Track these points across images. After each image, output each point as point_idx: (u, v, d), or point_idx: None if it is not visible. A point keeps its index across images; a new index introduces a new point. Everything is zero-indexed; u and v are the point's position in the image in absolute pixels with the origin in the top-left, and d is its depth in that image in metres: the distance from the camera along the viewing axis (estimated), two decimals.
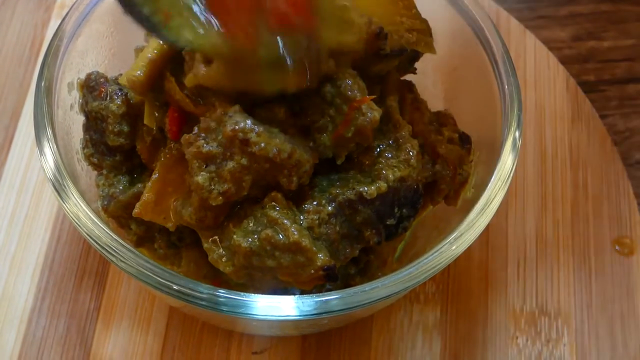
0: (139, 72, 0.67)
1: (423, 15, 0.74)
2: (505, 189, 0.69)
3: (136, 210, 0.68)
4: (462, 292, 0.84)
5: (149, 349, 0.80)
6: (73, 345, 0.80)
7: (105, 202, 0.72)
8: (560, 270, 0.86)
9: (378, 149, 0.68)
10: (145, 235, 0.72)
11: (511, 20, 1.00)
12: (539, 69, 0.97)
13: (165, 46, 0.67)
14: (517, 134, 0.70)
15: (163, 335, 0.81)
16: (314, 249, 0.63)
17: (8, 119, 0.92)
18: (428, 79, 0.81)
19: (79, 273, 0.83)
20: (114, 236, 0.64)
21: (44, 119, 0.68)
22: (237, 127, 0.60)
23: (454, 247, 0.66)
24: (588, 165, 0.91)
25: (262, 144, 0.60)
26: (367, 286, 0.63)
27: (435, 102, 0.80)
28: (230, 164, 0.61)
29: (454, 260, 0.66)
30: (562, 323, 0.83)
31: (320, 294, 0.63)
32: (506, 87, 0.72)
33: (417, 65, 0.77)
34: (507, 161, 0.69)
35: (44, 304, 0.82)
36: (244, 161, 0.61)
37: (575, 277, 0.85)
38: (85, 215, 0.65)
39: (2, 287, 0.82)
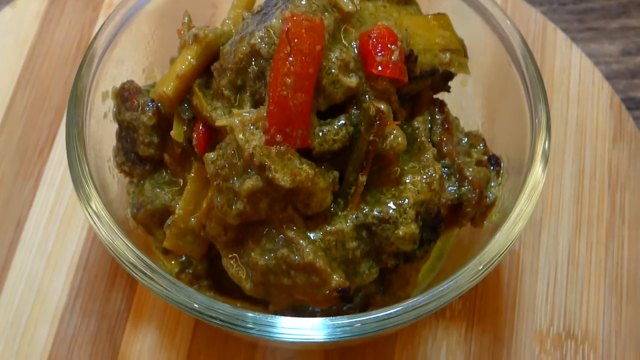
0: (167, 88, 0.68)
1: (460, 35, 0.74)
2: (530, 212, 0.68)
3: (165, 244, 0.70)
4: (489, 310, 0.83)
5: (175, 352, 0.81)
6: (102, 345, 0.82)
7: (135, 210, 0.73)
8: (591, 293, 0.84)
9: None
10: None
11: (558, 33, 0.98)
12: (583, 84, 0.95)
13: (193, 61, 0.68)
14: (541, 165, 0.68)
15: (190, 339, 0.82)
16: (329, 270, 0.63)
17: (52, 117, 0.93)
18: (465, 97, 0.81)
19: (111, 273, 0.85)
20: (135, 250, 0.66)
21: (75, 129, 0.69)
22: (254, 151, 0.61)
23: (480, 267, 0.66)
24: (627, 187, 0.89)
25: (277, 168, 0.61)
26: (392, 308, 0.63)
27: (472, 120, 0.80)
28: (248, 184, 0.62)
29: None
30: (588, 347, 0.82)
31: (344, 317, 0.62)
32: (535, 114, 0.70)
33: (455, 81, 0.76)
34: (533, 188, 0.68)
35: (76, 303, 0.83)
36: (259, 183, 0.61)
37: (606, 301, 0.84)
38: (107, 227, 0.67)
39: (38, 284, 0.84)
